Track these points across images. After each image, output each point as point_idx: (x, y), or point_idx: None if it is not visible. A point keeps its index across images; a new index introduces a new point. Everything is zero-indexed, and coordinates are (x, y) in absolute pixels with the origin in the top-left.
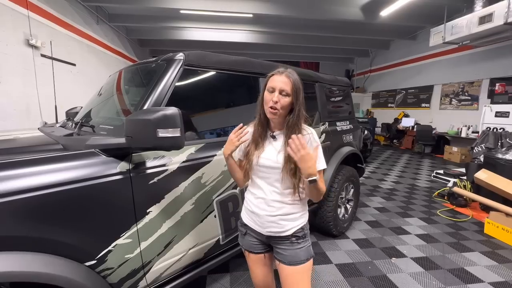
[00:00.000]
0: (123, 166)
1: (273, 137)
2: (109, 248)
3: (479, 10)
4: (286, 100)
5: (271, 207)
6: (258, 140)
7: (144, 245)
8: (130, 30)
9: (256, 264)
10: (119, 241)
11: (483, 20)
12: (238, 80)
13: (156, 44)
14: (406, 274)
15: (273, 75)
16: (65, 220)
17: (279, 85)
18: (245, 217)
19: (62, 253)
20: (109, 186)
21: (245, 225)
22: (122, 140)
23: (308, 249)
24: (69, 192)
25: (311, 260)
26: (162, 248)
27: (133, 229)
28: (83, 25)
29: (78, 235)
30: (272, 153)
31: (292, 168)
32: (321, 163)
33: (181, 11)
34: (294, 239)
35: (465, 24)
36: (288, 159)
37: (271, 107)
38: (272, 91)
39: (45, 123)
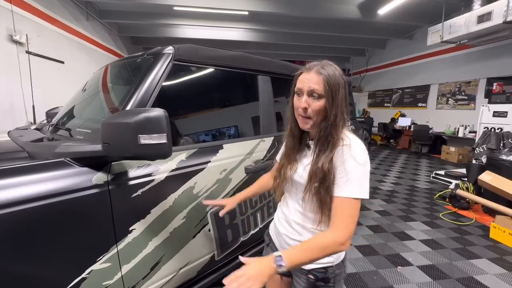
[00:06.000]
0: (100, 177)
1: (308, 146)
2: (83, 275)
3: (478, 9)
4: (319, 104)
5: (292, 229)
6: (290, 154)
7: (126, 268)
8: (122, 27)
9: (272, 283)
10: (96, 266)
11: (481, 18)
12: (234, 78)
13: (149, 42)
14: (413, 284)
15: (301, 73)
16: (25, 245)
17: (307, 85)
18: (271, 227)
19: (21, 287)
20: (82, 202)
21: (269, 235)
22: (98, 147)
23: None
24: (30, 211)
25: None
26: (148, 271)
27: (113, 251)
28: (72, 21)
29: (43, 263)
30: (302, 166)
31: (316, 187)
32: (353, 189)
33: (175, 8)
34: (312, 277)
35: (464, 23)
36: (313, 175)
37: (301, 116)
38: (301, 94)
39: (31, 123)
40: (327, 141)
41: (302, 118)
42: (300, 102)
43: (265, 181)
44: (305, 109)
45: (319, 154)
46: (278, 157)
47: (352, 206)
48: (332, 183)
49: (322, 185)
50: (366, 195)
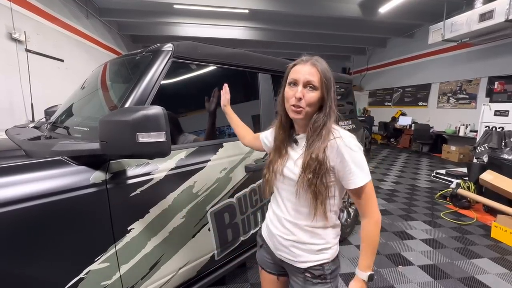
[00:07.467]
0: (98, 176)
1: (295, 141)
2: (81, 275)
3: (480, 7)
4: (313, 96)
5: (285, 229)
6: (281, 147)
7: (124, 268)
8: (122, 25)
9: (268, 285)
10: (93, 266)
11: (483, 17)
12: (235, 76)
13: (149, 40)
14: (414, 284)
15: (295, 65)
16: (21, 245)
17: (303, 76)
18: (264, 228)
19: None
20: (79, 201)
21: (261, 236)
22: (95, 145)
23: None
24: (26, 210)
25: None
26: (147, 271)
27: (111, 251)
28: (72, 19)
29: (40, 263)
30: (292, 160)
31: (310, 179)
32: (361, 176)
33: (175, 6)
34: (308, 275)
35: (465, 21)
36: (306, 167)
37: (293, 105)
38: (295, 84)
39: (30, 122)
40: (320, 131)
41: (293, 108)
42: (294, 92)
43: (247, 131)
44: (300, 99)
45: (312, 144)
46: (262, 135)
47: (370, 189)
48: (327, 173)
49: (316, 175)
50: (370, 176)
